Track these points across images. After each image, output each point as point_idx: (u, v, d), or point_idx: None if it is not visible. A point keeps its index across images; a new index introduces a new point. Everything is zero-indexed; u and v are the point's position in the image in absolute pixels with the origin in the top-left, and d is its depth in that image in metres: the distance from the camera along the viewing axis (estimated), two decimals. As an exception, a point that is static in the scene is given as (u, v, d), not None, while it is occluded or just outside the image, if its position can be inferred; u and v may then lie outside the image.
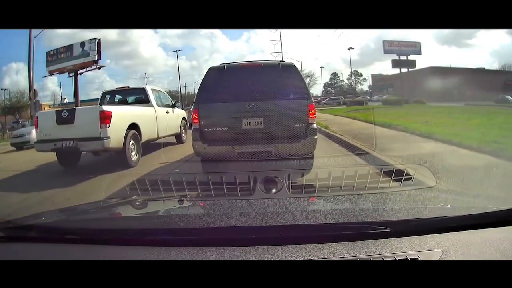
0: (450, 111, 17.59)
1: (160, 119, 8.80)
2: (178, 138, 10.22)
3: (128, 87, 10.18)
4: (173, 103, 10.33)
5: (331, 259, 1.10)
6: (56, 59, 37.21)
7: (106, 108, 6.83)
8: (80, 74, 37.68)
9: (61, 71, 37.61)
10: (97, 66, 37.66)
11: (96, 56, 35.72)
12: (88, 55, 35.77)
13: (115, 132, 6.67)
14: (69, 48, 36.60)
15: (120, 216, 1.71)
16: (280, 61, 6.06)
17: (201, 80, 5.71)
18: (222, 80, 5.36)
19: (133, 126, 7.33)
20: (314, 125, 5.20)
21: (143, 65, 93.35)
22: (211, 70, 5.47)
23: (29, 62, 23.66)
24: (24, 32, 25.61)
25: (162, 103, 9.70)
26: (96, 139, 6.48)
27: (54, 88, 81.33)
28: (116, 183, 5.24)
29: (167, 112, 9.49)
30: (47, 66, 37.49)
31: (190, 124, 7.88)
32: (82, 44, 35.90)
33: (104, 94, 9.90)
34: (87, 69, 37.68)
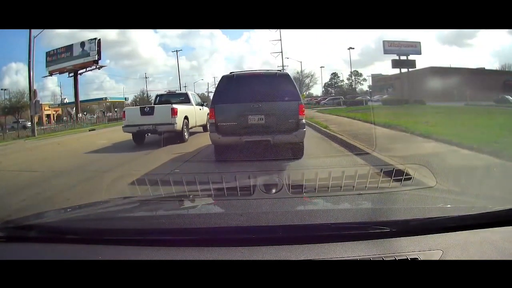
0: (450, 111, 17.61)
1: (197, 113, 13.01)
2: (205, 127, 13.48)
3: (175, 91, 15.74)
4: (202, 103, 14.33)
5: (331, 259, 1.10)
6: (56, 59, 37.17)
7: (175, 106, 11.00)
8: (80, 74, 37.64)
9: (61, 71, 37.59)
10: (97, 66, 37.63)
11: (96, 56, 35.72)
12: (88, 55, 35.78)
13: (179, 121, 10.78)
14: (69, 48, 36.59)
15: (120, 216, 1.71)
16: (278, 71, 7.48)
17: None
18: (232, 85, 6.65)
19: (186, 117, 11.38)
20: (303, 120, 6.39)
21: (143, 65, 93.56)
22: (224, 77, 6.90)
23: (29, 62, 23.63)
24: (24, 32, 25.57)
25: (197, 102, 13.82)
26: (169, 124, 10.58)
27: (54, 88, 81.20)
28: (116, 183, 5.25)
29: (200, 109, 13.51)
30: (47, 66, 37.43)
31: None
32: (82, 44, 35.91)
33: (157, 96, 14.90)
34: (87, 69, 37.68)
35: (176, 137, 10.87)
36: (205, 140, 9.04)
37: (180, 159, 7.56)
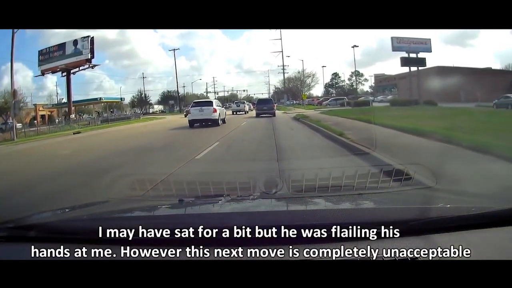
0: (469, 113, 15.32)
1: (247, 106, 38.79)
2: (247, 112, 36.26)
3: (244, 101, 44.86)
4: (249, 104, 41.85)
5: (331, 259, 1.10)
6: (49, 58, 35.73)
7: (245, 104, 41.14)
8: (73, 73, 36.37)
9: (53, 70, 36.22)
10: (90, 65, 36.32)
11: (89, 54, 34.47)
12: (81, 53, 34.56)
13: (246, 108, 37.95)
14: (62, 46, 35.27)
15: (120, 216, 1.71)
16: (269, 97, 47.51)
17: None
18: (259, 101, 31.32)
19: (247, 107, 40.76)
20: (275, 107, 28.86)
21: (142, 65, 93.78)
22: (258, 99, 34.99)
23: (11, 60, 21.72)
24: (9, 30, 23.67)
25: (247, 104, 41.37)
26: (244, 110, 36.25)
27: (51, 88, 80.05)
28: (116, 183, 5.25)
29: (247, 105, 40.08)
30: (39, 65, 35.96)
31: (252, 108, 37.53)
32: (75, 42, 34.71)
33: (235, 101, 46.33)
34: (80, 68, 36.31)
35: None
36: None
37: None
